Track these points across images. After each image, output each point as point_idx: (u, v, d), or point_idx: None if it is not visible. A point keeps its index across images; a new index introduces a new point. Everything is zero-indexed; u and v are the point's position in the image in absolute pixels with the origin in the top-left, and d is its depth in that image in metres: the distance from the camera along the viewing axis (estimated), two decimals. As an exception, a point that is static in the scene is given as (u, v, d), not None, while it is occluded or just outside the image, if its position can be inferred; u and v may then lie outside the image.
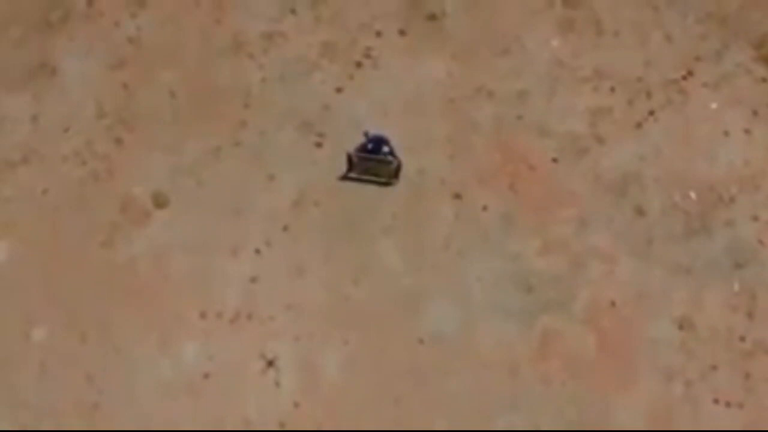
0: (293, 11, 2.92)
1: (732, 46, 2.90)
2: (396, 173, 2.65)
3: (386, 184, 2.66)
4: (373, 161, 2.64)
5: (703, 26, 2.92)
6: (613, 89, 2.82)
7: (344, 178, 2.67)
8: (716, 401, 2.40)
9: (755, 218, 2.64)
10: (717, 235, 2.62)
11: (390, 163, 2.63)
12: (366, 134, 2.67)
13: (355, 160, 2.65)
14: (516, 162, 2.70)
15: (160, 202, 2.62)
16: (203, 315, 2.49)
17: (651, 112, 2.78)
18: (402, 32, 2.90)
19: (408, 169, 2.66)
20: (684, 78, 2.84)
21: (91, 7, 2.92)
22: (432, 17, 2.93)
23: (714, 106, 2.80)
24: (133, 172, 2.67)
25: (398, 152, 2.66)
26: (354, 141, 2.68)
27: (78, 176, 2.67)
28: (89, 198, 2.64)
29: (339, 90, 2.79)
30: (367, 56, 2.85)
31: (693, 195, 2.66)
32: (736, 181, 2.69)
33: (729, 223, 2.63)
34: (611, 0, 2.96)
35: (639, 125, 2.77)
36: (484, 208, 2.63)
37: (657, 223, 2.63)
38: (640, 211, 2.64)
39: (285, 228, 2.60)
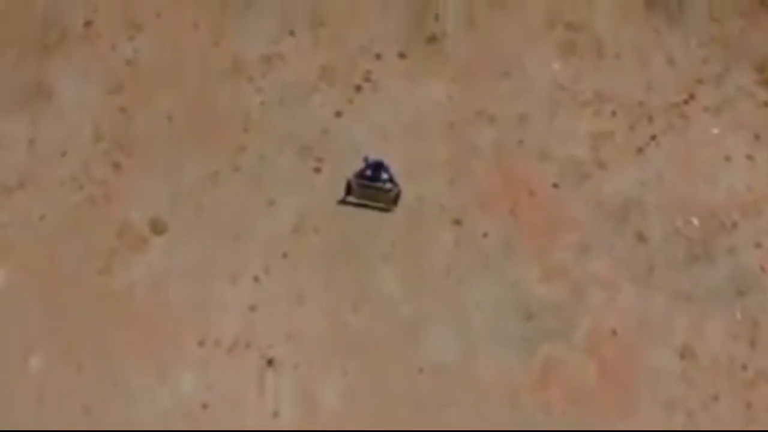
0: (292, 33, 2.97)
1: (734, 70, 2.94)
2: (395, 200, 2.69)
3: (385, 210, 2.70)
4: (372, 188, 2.68)
5: (705, 49, 2.97)
6: (614, 113, 2.86)
7: (342, 202, 2.71)
8: (718, 432, 2.46)
9: (758, 245, 2.68)
10: (719, 262, 2.66)
11: (389, 190, 2.68)
12: (365, 160, 2.71)
13: (354, 186, 2.69)
14: (516, 187, 2.74)
15: (158, 228, 2.66)
16: (201, 343, 2.52)
17: (653, 137, 2.83)
18: (402, 55, 2.94)
19: (408, 195, 2.71)
20: (685, 102, 2.89)
21: (88, 28, 2.96)
22: (432, 39, 2.97)
23: (715, 130, 2.85)
24: (131, 197, 2.71)
25: (398, 178, 2.71)
26: (353, 166, 2.73)
27: (75, 201, 2.71)
28: (86, 224, 2.68)
29: (338, 114, 2.84)
30: (367, 79, 2.90)
31: (695, 221, 2.70)
32: (738, 207, 2.73)
33: (731, 249, 2.68)
34: (613, 22, 3.02)
35: (640, 150, 2.81)
36: (485, 234, 2.67)
37: (658, 249, 2.68)
38: (641, 238, 2.69)
39: (284, 255, 2.64)
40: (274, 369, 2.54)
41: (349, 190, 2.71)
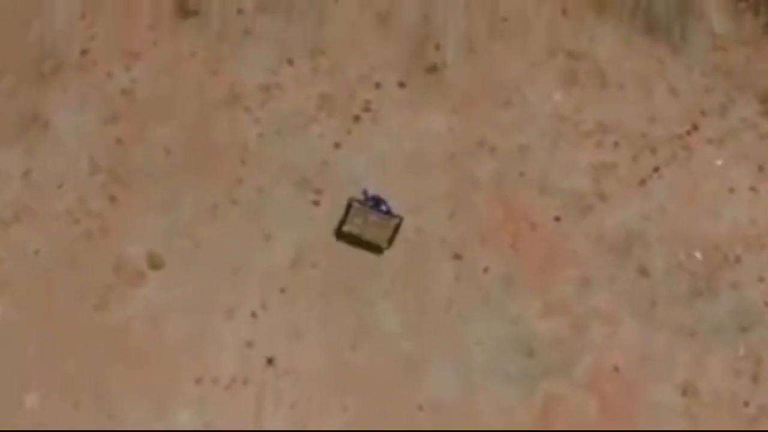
0: (290, 62, 3.01)
1: (738, 100, 2.98)
2: (393, 234, 2.72)
3: (377, 250, 2.73)
4: (374, 214, 2.72)
5: (709, 79, 3.01)
6: (617, 144, 2.90)
7: (338, 233, 2.74)
8: (720, 471, 2.50)
9: (761, 279, 2.72)
10: (722, 297, 2.70)
11: (393, 216, 2.71)
12: (364, 193, 2.75)
13: (355, 210, 2.73)
14: (517, 220, 2.78)
15: (155, 262, 2.70)
16: (199, 381, 2.57)
17: (655, 169, 2.87)
18: (401, 84, 2.98)
19: (407, 229, 2.75)
20: (688, 133, 2.93)
21: (84, 57, 3.00)
22: (432, 69, 3.01)
23: (719, 162, 2.89)
24: (128, 231, 2.75)
25: (397, 211, 2.75)
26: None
27: (71, 235, 2.75)
28: (82, 258, 2.72)
29: (337, 145, 2.87)
30: (366, 109, 2.94)
31: (698, 255, 2.74)
32: (742, 241, 2.77)
33: (734, 284, 2.72)
34: (615, 51, 3.06)
35: (643, 182, 2.85)
36: (485, 269, 2.71)
37: (661, 283, 2.72)
38: (643, 272, 2.73)
39: (282, 290, 2.68)
40: (273, 405, 2.59)
41: (348, 211, 2.74)
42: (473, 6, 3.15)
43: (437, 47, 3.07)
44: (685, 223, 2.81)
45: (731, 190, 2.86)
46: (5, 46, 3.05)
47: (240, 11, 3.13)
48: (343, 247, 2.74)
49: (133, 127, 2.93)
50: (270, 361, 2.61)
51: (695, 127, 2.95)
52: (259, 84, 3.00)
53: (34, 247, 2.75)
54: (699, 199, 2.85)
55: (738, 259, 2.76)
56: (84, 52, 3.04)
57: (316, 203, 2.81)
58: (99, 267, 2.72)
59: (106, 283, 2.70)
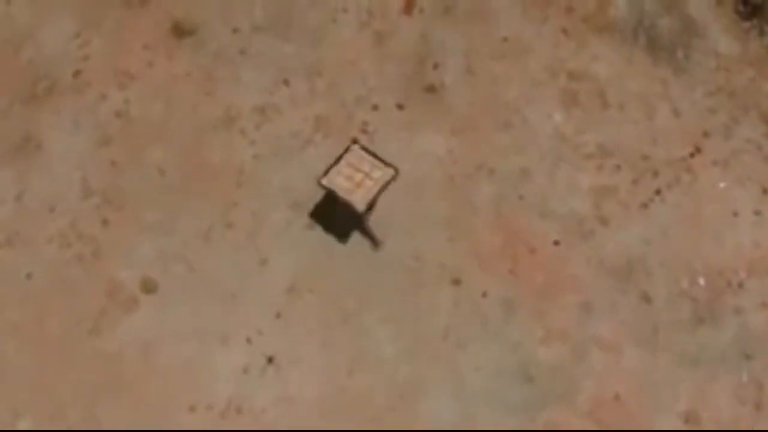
0: (287, 83, 3.09)
1: (742, 121, 3.07)
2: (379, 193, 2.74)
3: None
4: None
5: (712, 99, 3.09)
6: (618, 167, 2.98)
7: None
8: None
9: (765, 305, 2.80)
10: (725, 324, 2.78)
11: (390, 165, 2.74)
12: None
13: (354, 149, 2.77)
14: (517, 245, 2.86)
15: (148, 287, 2.78)
16: (193, 408, 2.64)
17: (657, 192, 2.95)
18: (400, 106, 3.07)
19: (405, 254, 2.82)
20: (691, 155, 3.01)
21: (77, 78, 3.09)
22: (431, 89, 3.10)
23: (722, 185, 2.97)
24: (121, 254, 2.84)
25: (396, 235, 2.83)
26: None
27: (63, 259, 2.83)
28: (75, 283, 2.80)
29: (334, 168, 2.96)
30: (364, 131, 3.02)
31: (701, 281, 2.82)
32: (745, 265, 2.85)
33: (737, 310, 2.79)
34: (617, 71, 3.14)
35: (645, 206, 2.93)
36: (484, 294, 2.79)
37: (663, 310, 2.80)
38: (645, 298, 2.80)
39: (277, 315, 2.76)
40: (268, 434, 2.67)
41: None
42: (472, 26, 3.25)
43: (435, 67, 3.16)
44: (688, 247, 2.89)
45: (735, 214, 2.93)
46: (-2, 67, 3.17)
47: (236, 31, 3.22)
48: (340, 273, 2.82)
49: (127, 149, 3.02)
50: (266, 387, 2.69)
51: (698, 149, 3.03)
52: (255, 105, 3.09)
53: (27, 271, 2.83)
54: (702, 222, 2.93)
55: (741, 285, 2.83)
56: (77, 73, 3.13)
57: (312, 227, 2.89)
58: (92, 291, 2.81)
59: (99, 307, 2.78)
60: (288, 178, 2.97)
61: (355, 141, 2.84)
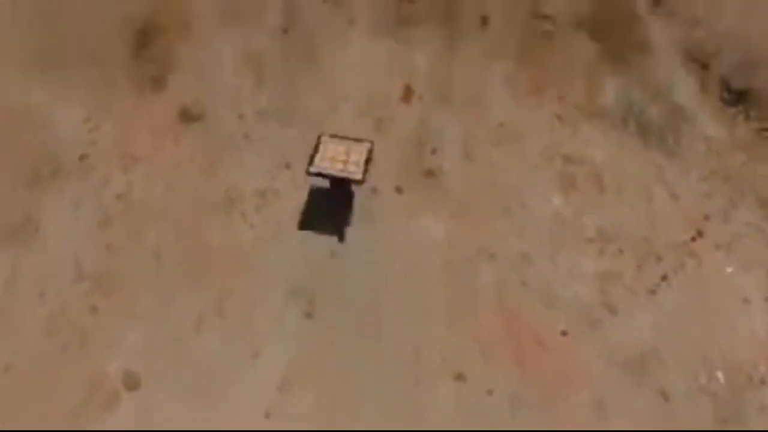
0: (288, 166, 2.08)
1: (740, 204, 2.04)
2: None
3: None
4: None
5: (708, 183, 2.07)
6: (621, 251, 1.94)
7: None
8: None
9: (790, 402, 1.72)
10: (751, 425, 1.69)
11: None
12: None
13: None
14: (522, 335, 1.80)
15: (130, 383, 1.72)
16: None
17: (664, 277, 1.90)
18: (399, 189, 2.05)
19: (405, 346, 1.76)
20: (693, 239, 1.97)
21: (83, 161, 2.08)
22: (429, 173, 2.08)
23: (729, 270, 1.92)
24: (106, 344, 1.78)
25: (396, 325, 1.77)
26: (347, 311, 1.80)
27: (47, 349, 1.77)
28: (56, 376, 1.74)
29: (333, 254, 1.92)
30: (364, 217, 1.98)
31: (720, 375, 1.75)
32: (765, 359, 1.78)
33: (762, 408, 1.71)
34: (612, 154, 2.13)
35: (652, 292, 1.88)
36: (489, 391, 1.71)
37: (682, 408, 1.71)
38: (663, 395, 1.73)
39: (267, 414, 1.69)
40: None
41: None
42: (469, 112, 2.25)
43: (434, 152, 2.15)
44: (701, 337, 1.82)
45: (745, 300, 1.88)
46: (7, 149, 2.15)
47: (241, 116, 2.22)
48: (337, 368, 1.76)
49: (125, 231, 1.97)
50: (250, 501, 1.62)
51: (699, 233, 1.99)
52: (256, 188, 2.06)
53: (6, 363, 1.77)
54: (712, 310, 1.87)
55: (763, 380, 1.76)
56: (84, 157, 2.11)
57: (309, 316, 1.84)
58: (72, 385, 1.73)
59: (80, 403, 1.70)
60: (286, 264, 1.91)
61: (321, 133, 1.90)
